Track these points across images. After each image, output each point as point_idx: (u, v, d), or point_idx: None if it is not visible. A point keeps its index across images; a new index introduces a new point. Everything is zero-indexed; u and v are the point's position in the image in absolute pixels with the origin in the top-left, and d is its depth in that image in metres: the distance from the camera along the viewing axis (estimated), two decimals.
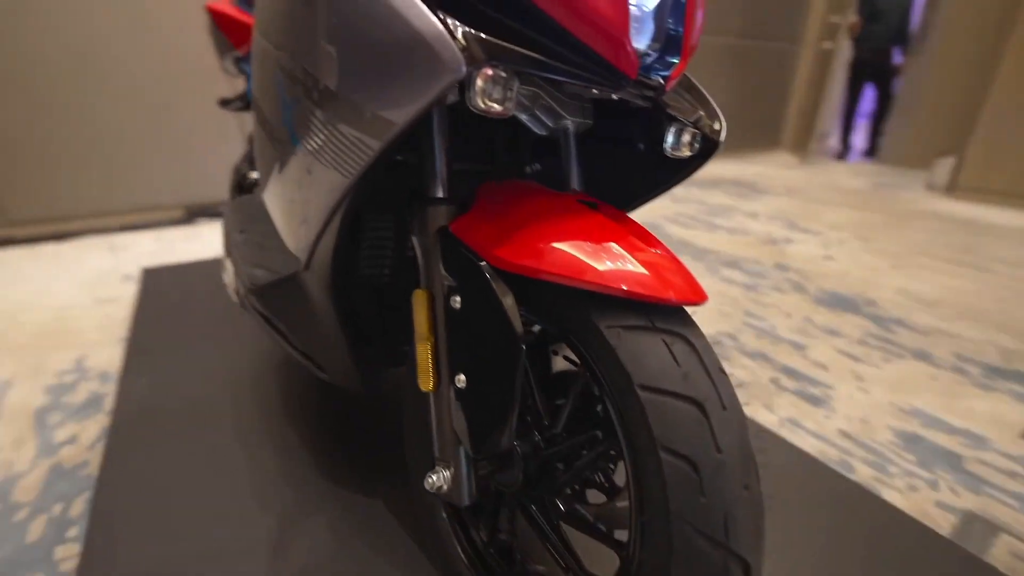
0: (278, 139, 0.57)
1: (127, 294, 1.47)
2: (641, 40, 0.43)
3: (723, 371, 0.43)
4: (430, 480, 0.49)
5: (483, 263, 0.44)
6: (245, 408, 0.98)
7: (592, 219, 0.45)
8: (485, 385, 0.46)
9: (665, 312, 0.43)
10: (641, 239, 0.45)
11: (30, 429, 0.95)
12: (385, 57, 0.39)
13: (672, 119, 0.52)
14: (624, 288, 0.40)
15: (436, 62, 0.36)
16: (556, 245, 0.42)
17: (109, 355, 1.18)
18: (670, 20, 0.44)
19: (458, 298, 0.46)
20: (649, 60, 0.45)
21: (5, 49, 1.64)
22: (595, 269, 0.41)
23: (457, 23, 0.37)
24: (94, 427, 0.95)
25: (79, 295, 1.47)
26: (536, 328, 0.53)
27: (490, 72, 0.37)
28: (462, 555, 0.58)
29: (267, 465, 0.85)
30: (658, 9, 0.43)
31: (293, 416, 0.97)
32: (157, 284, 1.49)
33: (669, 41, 0.45)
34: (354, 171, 0.43)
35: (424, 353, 0.48)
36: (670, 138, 0.53)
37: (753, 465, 0.40)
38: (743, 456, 0.39)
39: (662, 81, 0.45)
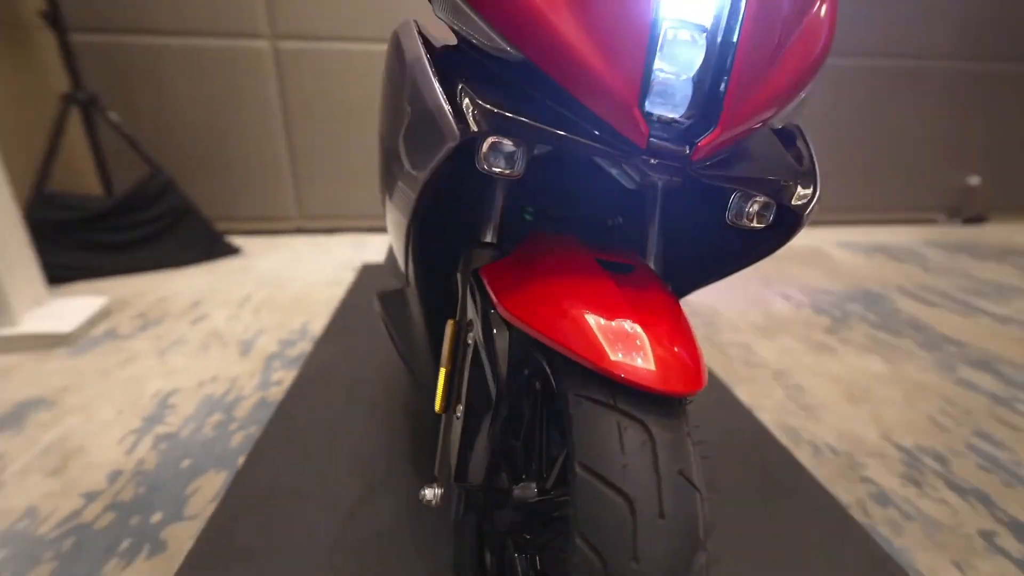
0: (380, 181, 0.70)
1: (350, 281, 1.89)
2: (669, 108, 0.41)
3: (686, 476, 0.37)
4: (423, 493, 0.54)
5: (492, 310, 0.47)
6: (382, 392, 1.18)
7: (604, 286, 0.44)
8: (471, 419, 0.49)
9: (643, 395, 0.40)
10: (652, 312, 0.42)
11: (261, 367, 1.32)
12: (411, 126, 0.46)
13: (734, 186, 0.47)
14: (595, 363, 0.39)
15: (438, 132, 0.42)
16: (554, 306, 0.43)
17: (323, 325, 1.54)
18: (723, 82, 0.40)
19: (471, 335, 0.50)
20: (680, 127, 0.42)
21: (318, 94, 2.28)
22: (576, 337, 0.40)
23: (473, 96, 0.42)
24: (294, 377, 1.27)
25: (323, 277, 1.95)
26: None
27: (492, 140, 0.41)
28: (470, 569, 0.61)
29: (375, 441, 1.01)
30: (699, 76, 0.40)
31: (410, 411, 1.12)
32: (368, 277, 1.87)
33: (713, 108, 0.41)
34: (407, 214, 0.52)
35: (441, 378, 0.54)
36: (733, 205, 0.47)
37: None
38: (670, 564, 0.33)
39: (687, 151, 0.41)
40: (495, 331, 0.46)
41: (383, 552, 0.77)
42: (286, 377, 1.27)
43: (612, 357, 0.38)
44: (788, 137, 0.53)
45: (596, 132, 0.42)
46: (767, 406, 1.27)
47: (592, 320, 0.41)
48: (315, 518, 0.83)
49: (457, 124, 0.40)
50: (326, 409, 1.11)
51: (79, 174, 2.12)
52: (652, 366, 0.39)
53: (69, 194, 1.93)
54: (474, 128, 0.40)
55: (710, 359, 1.47)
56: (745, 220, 0.47)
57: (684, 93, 0.40)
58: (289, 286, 1.86)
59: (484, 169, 0.42)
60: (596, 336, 0.40)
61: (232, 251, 2.17)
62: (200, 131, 2.25)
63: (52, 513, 0.86)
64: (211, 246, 2.12)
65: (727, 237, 0.56)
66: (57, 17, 1.82)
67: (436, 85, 0.42)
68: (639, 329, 0.40)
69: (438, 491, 0.54)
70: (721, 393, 1.26)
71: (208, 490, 0.92)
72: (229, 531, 0.80)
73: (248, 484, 0.90)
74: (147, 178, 2.00)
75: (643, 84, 0.39)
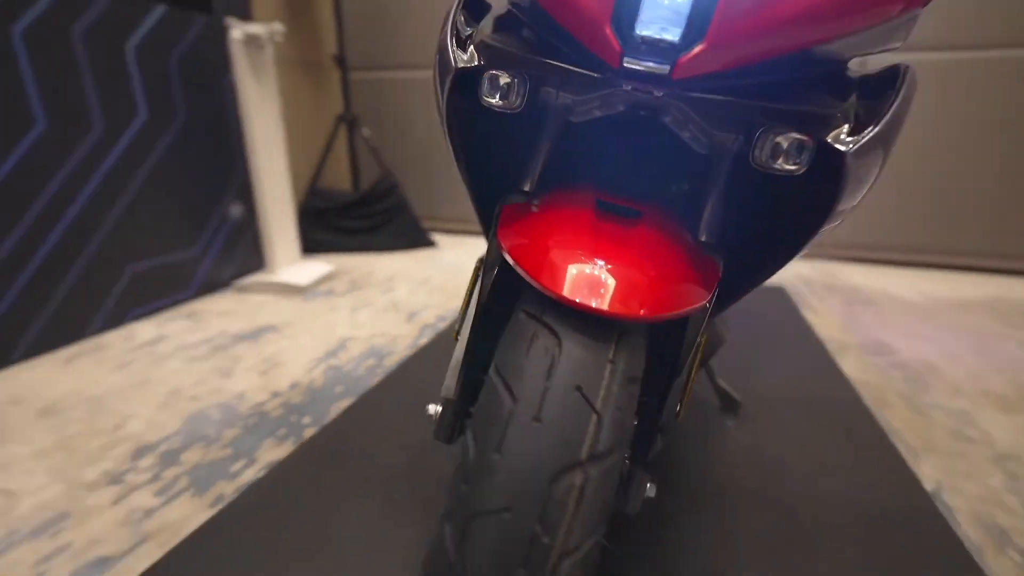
0: None
1: None
2: (665, 31, 0.39)
3: (584, 393, 0.36)
4: (428, 408, 0.59)
5: (494, 241, 0.51)
6: None
7: (581, 219, 0.45)
8: (461, 342, 0.53)
9: (578, 316, 0.39)
10: (626, 245, 0.42)
11: (416, 333, 1.55)
12: (436, 71, 0.53)
13: (763, 120, 0.42)
14: (532, 276, 0.40)
15: (442, 67, 0.48)
16: (527, 235, 0.45)
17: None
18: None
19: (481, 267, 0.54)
20: (667, 48, 0.40)
21: None
22: (528, 257, 0.42)
23: (478, 38, 0.47)
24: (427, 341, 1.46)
25: None
26: None
27: (489, 74, 0.46)
28: None
29: None
30: None
31: None
32: None
33: (704, 27, 0.39)
34: (458, 166, 0.59)
35: (462, 308, 0.58)
36: (758, 142, 0.42)
37: (534, 505, 0.32)
38: (525, 477, 0.32)
39: (666, 70, 0.39)
40: (489, 260, 0.50)
41: (434, 486, 0.86)
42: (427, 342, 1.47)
43: (550, 273, 0.40)
44: (873, 76, 0.44)
45: (575, 56, 0.43)
46: (966, 490, 0.96)
47: (551, 244, 0.42)
48: (389, 449, 0.97)
49: (455, 58, 0.46)
50: (435, 369, 1.27)
51: (339, 174, 2.80)
52: (589, 286, 0.39)
53: (329, 189, 2.56)
54: (468, 61, 0.46)
55: (899, 418, 1.17)
56: (771, 161, 0.42)
57: (682, 14, 0.39)
58: (462, 275, 2.12)
59: (486, 103, 0.48)
60: (545, 256, 0.41)
61: (430, 244, 2.58)
62: (421, 145, 2.74)
63: (251, 399, 1.18)
64: (416, 238, 2.55)
65: (776, 207, 0.49)
66: (343, 59, 2.46)
67: (449, 30, 0.49)
68: (596, 257, 0.41)
69: (438, 408, 0.59)
70: (894, 461, 1.00)
71: None
72: (331, 442, 0.99)
73: (354, 415, 1.09)
74: (379, 179, 2.52)
75: (630, 4, 0.39)
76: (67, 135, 1.40)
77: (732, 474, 0.94)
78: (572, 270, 0.40)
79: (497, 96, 0.47)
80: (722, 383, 1.10)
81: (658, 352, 0.47)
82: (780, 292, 1.94)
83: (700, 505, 0.86)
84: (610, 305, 0.38)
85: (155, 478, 0.92)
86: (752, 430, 1.07)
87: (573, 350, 0.39)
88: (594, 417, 0.37)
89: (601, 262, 0.40)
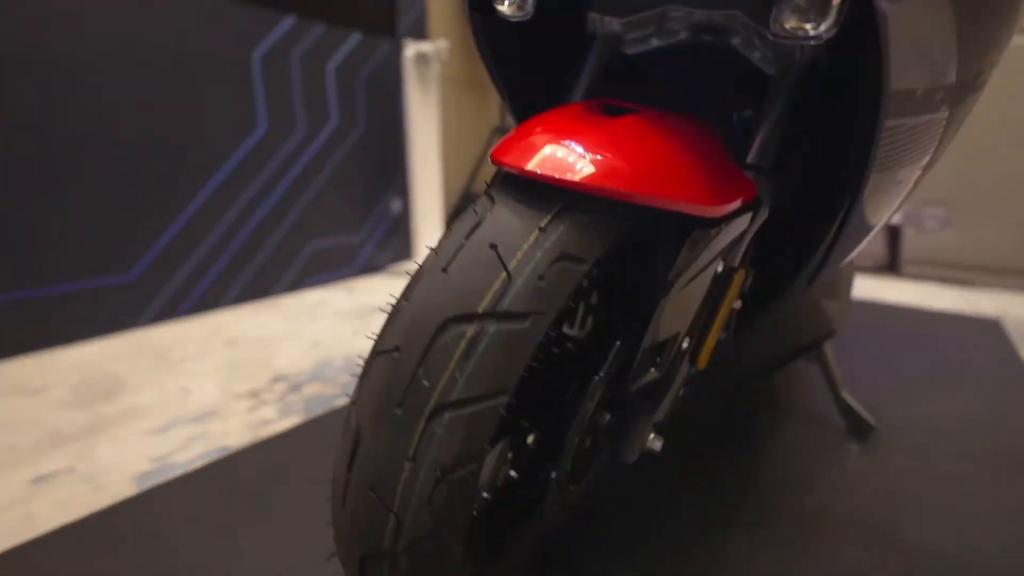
0: None
1: None
2: None
3: (497, 251, 0.36)
4: None
5: None
6: None
7: (565, 112, 0.44)
8: None
9: (525, 190, 0.39)
10: (598, 129, 0.40)
11: None
12: None
13: None
14: (507, 161, 0.40)
15: None
16: (518, 133, 0.45)
17: None
18: None
19: None
20: None
21: None
22: (505, 148, 0.42)
23: None
24: None
25: None
26: None
27: None
28: None
29: None
30: None
31: None
32: None
33: None
34: (493, 82, 0.61)
35: None
36: (774, 15, 0.36)
37: (419, 347, 0.34)
38: (418, 319, 0.35)
39: None
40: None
41: None
42: None
43: (511, 152, 0.40)
44: None
45: None
46: None
47: (527, 134, 0.42)
48: None
49: None
50: None
51: None
52: (538, 157, 0.38)
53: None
54: None
55: None
56: (784, 24, 0.35)
57: None
58: None
59: (500, 13, 0.49)
60: (515, 142, 0.42)
61: None
62: None
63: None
64: None
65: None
66: None
67: None
68: (563, 137, 0.39)
69: None
70: None
71: None
72: None
73: None
74: None
75: None
76: (279, 136, 1.78)
77: (839, 501, 0.76)
78: (530, 146, 0.40)
79: (506, 2, 0.49)
80: (849, 398, 0.90)
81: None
82: (993, 325, 1.52)
83: (784, 523, 0.72)
84: (550, 171, 0.37)
85: (280, 400, 1.10)
86: (882, 460, 0.85)
87: (501, 212, 0.39)
88: (503, 275, 0.35)
89: (567, 140, 0.39)
